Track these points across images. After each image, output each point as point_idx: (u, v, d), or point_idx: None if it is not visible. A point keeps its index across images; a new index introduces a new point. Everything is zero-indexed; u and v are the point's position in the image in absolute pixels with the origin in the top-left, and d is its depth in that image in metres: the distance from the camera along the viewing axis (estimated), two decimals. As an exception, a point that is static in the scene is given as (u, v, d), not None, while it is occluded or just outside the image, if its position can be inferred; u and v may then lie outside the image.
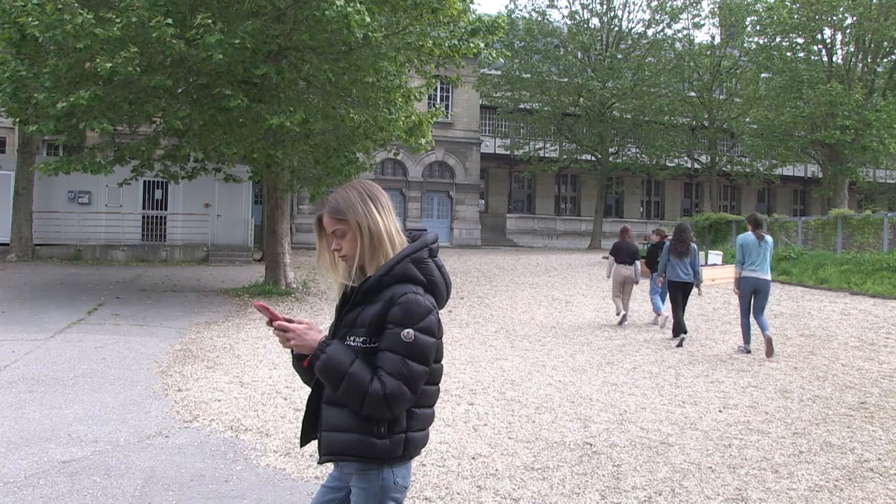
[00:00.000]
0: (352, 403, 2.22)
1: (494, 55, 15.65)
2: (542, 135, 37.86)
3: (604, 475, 4.90)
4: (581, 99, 34.45)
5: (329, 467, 2.56)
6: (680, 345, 10.08)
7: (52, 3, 10.77)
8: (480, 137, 36.37)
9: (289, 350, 2.35)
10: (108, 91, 12.21)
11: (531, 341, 10.32)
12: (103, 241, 22.93)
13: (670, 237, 11.39)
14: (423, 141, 15.27)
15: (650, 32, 35.54)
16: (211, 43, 11.14)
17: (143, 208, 23.77)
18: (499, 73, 35.04)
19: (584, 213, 40.51)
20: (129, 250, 22.89)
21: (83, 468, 4.82)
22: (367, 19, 11.48)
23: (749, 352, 9.64)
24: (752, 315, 9.51)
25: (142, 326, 10.84)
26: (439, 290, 2.37)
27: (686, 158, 38.03)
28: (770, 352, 9.17)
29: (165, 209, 24.03)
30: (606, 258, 12.21)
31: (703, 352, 9.63)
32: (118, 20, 10.97)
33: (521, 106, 35.92)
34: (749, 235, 9.63)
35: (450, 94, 34.55)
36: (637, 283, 12.36)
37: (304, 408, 2.44)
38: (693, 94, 35.21)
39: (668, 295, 10.98)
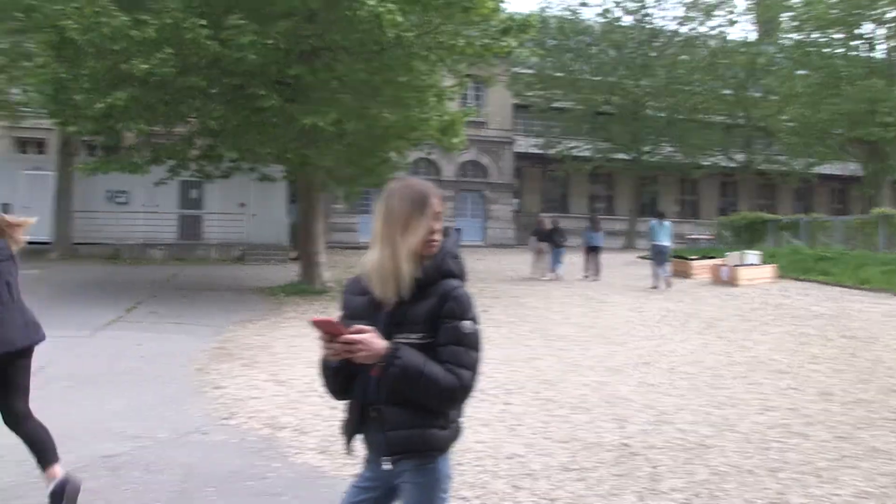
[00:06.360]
0: (428, 400, 2.24)
1: (527, 54, 15.60)
2: (575, 133, 37.57)
3: (641, 476, 4.84)
4: (614, 97, 34.13)
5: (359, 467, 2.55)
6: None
7: (90, 6, 10.96)
8: (513, 136, 36.21)
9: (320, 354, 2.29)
10: (144, 92, 12.40)
11: (566, 341, 10.24)
12: (141, 239, 23.26)
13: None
14: (455, 140, 15.26)
15: (683, 30, 35.09)
16: (244, 44, 11.24)
17: (180, 207, 24.08)
18: (531, 71, 34.78)
19: (618, 212, 40.08)
20: (165, 249, 23.20)
21: (124, 463, 4.89)
22: (399, 19, 11.50)
23: (656, 287, 16.41)
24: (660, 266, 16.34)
25: (179, 324, 10.98)
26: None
27: (721, 157, 37.50)
28: (669, 284, 16.59)
29: (201, 208, 24.32)
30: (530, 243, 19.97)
31: (742, 353, 9.48)
32: (153, 22, 11.13)
33: (554, 104, 35.68)
34: (655, 221, 17.10)
35: (482, 94, 34.43)
36: (544, 251, 19.26)
37: (347, 411, 2.41)
38: (728, 91, 34.66)
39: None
